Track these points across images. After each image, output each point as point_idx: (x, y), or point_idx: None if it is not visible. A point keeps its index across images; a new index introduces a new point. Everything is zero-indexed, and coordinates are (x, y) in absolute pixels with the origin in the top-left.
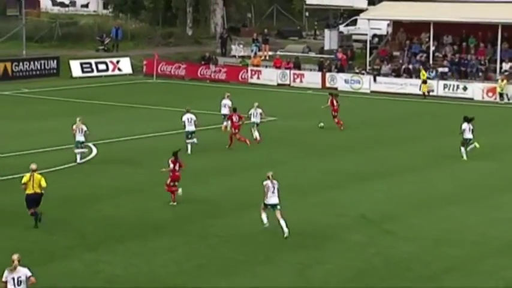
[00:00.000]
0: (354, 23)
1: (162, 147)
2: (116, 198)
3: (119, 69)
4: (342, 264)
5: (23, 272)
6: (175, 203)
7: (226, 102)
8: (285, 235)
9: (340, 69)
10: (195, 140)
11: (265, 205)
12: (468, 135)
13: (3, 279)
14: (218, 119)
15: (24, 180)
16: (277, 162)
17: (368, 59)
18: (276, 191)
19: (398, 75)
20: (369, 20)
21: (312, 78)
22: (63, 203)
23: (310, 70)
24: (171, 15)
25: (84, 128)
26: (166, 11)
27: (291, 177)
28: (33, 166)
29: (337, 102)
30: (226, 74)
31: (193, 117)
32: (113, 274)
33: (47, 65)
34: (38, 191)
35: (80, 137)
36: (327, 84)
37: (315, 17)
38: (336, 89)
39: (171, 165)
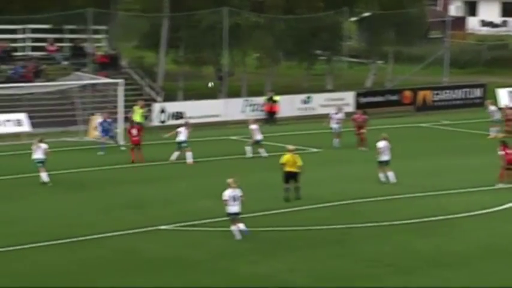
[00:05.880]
0: None
1: None
2: None
3: None
4: None
5: (238, 192)
6: None
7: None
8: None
9: None
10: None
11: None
12: None
13: (225, 198)
14: None
15: (283, 160)
16: None
17: None
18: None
19: None
20: None
21: None
22: (487, 252)
23: None
24: None
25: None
26: None
27: None
28: (291, 147)
29: None
30: None
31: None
32: None
33: (471, 94)
34: (294, 169)
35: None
36: None
37: None
38: None
39: (502, 152)
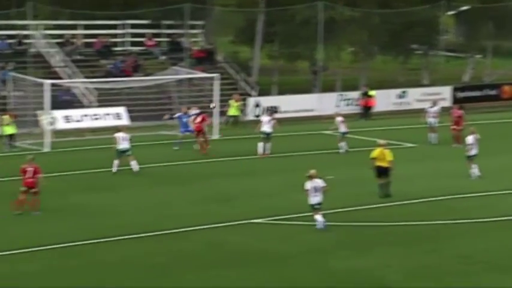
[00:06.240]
0: None
1: None
2: None
3: None
4: None
5: (319, 182)
6: None
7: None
8: None
9: None
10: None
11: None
12: None
13: (306, 187)
14: None
15: (374, 154)
16: None
17: None
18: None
19: None
20: None
21: None
22: None
23: None
24: None
25: None
26: None
27: None
28: (382, 142)
29: None
30: None
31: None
32: None
33: None
34: (385, 164)
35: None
36: None
37: None
38: None
39: None
